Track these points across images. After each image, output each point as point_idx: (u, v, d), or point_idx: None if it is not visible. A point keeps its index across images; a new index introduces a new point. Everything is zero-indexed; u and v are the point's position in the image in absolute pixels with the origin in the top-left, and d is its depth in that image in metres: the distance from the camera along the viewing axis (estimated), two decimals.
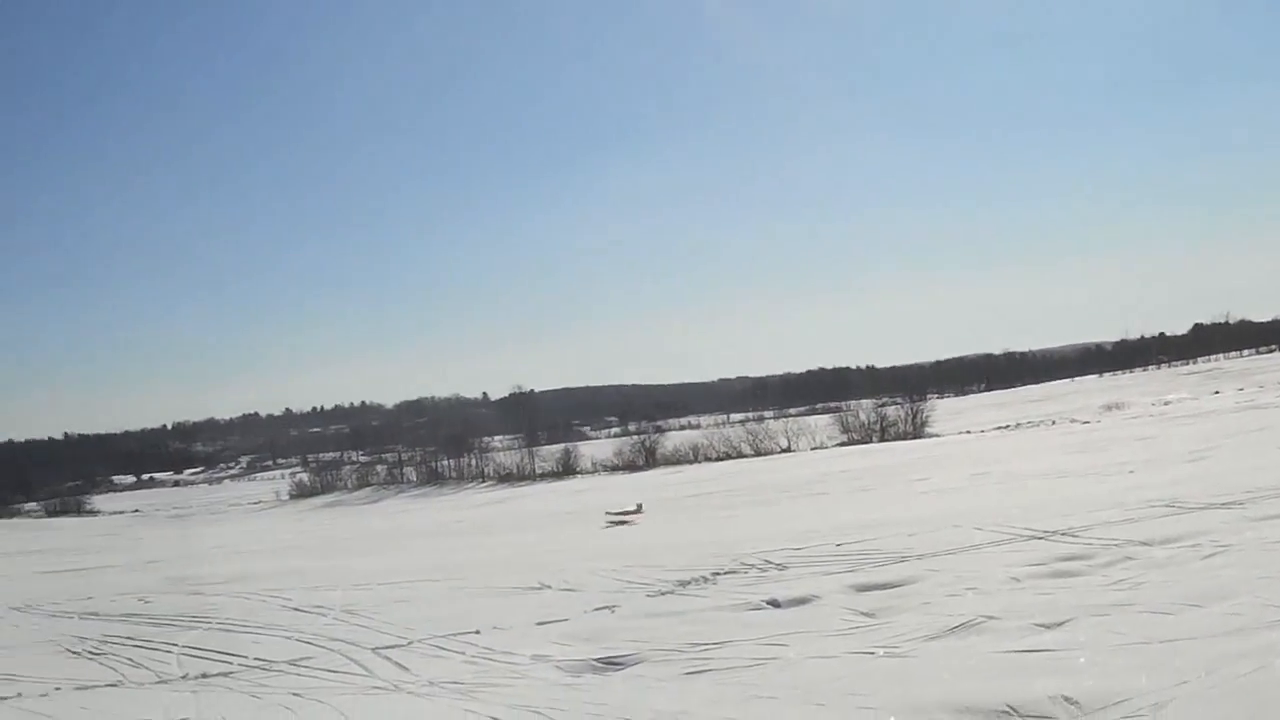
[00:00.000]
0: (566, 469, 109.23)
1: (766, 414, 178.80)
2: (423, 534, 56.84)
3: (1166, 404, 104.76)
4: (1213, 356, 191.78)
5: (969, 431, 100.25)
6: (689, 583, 25.02)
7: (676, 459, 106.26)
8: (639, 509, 56.09)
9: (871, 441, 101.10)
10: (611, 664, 16.89)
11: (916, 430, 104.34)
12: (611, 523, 51.03)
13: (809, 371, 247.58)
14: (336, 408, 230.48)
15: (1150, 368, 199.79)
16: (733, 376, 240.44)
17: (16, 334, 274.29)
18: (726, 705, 13.48)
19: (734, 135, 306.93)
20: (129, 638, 23.44)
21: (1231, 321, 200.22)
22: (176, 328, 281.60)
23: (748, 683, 14.68)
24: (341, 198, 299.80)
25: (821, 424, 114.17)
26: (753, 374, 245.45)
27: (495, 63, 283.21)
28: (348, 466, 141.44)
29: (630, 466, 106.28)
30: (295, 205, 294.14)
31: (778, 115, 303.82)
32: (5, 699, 17.11)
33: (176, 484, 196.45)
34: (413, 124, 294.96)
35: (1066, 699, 11.59)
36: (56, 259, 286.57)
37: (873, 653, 15.52)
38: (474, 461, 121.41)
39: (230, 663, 19.53)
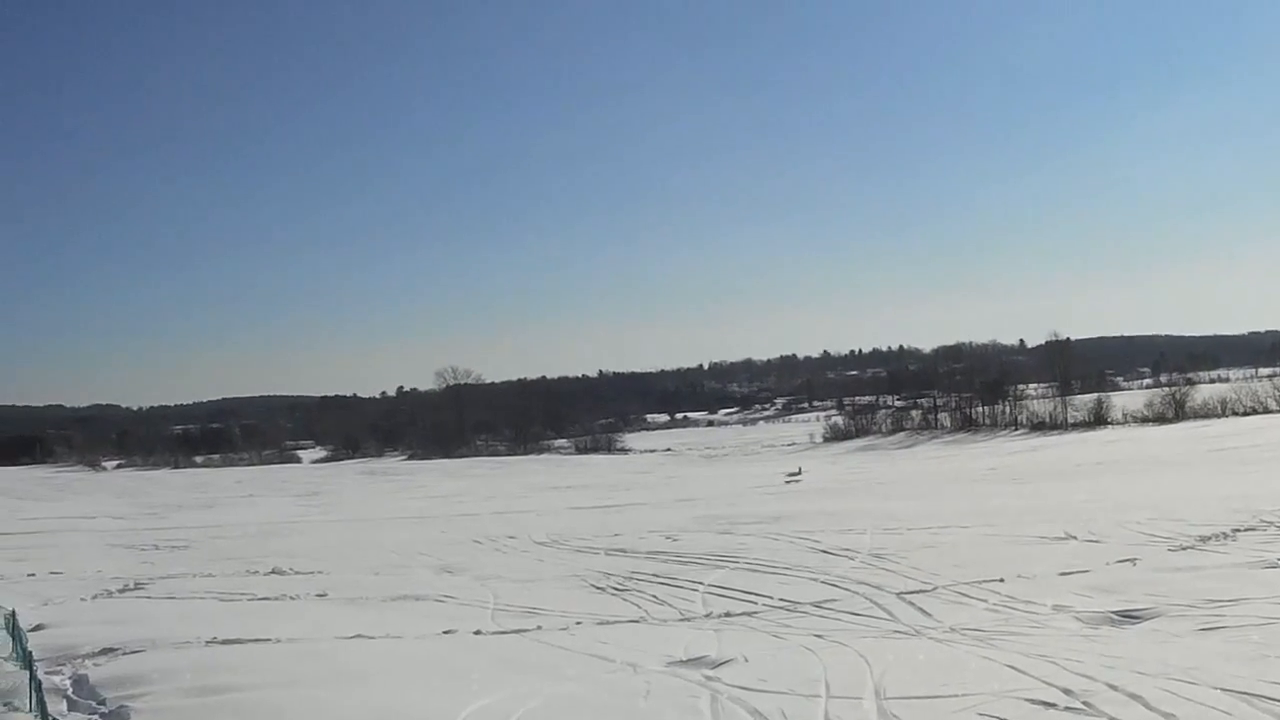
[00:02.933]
0: (1098, 419, 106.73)
1: None
2: (954, 480, 56.66)
3: None
4: None
5: None
6: (1209, 538, 24.31)
7: (1205, 412, 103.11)
8: (800, 472, 59.16)
9: None
10: (1128, 617, 16.59)
11: None
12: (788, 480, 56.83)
13: None
14: (874, 351, 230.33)
15: None
16: (1263, 330, 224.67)
17: (570, 274, 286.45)
18: (1236, 662, 13.04)
19: None
20: (655, 575, 24.61)
21: None
22: (707, 264, 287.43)
23: (1259, 641, 14.21)
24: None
25: None
26: None
27: None
28: (882, 411, 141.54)
29: (1159, 418, 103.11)
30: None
31: None
32: (525, 631, 18.06)
33: (710, 424, 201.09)
34: None
35: None
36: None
37: None
38: (1008, 409, 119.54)
39: (755, 602, 20.15)
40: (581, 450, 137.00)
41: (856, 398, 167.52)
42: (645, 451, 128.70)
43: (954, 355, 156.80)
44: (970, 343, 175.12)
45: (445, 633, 17.94)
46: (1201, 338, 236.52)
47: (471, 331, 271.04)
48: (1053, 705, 11.68)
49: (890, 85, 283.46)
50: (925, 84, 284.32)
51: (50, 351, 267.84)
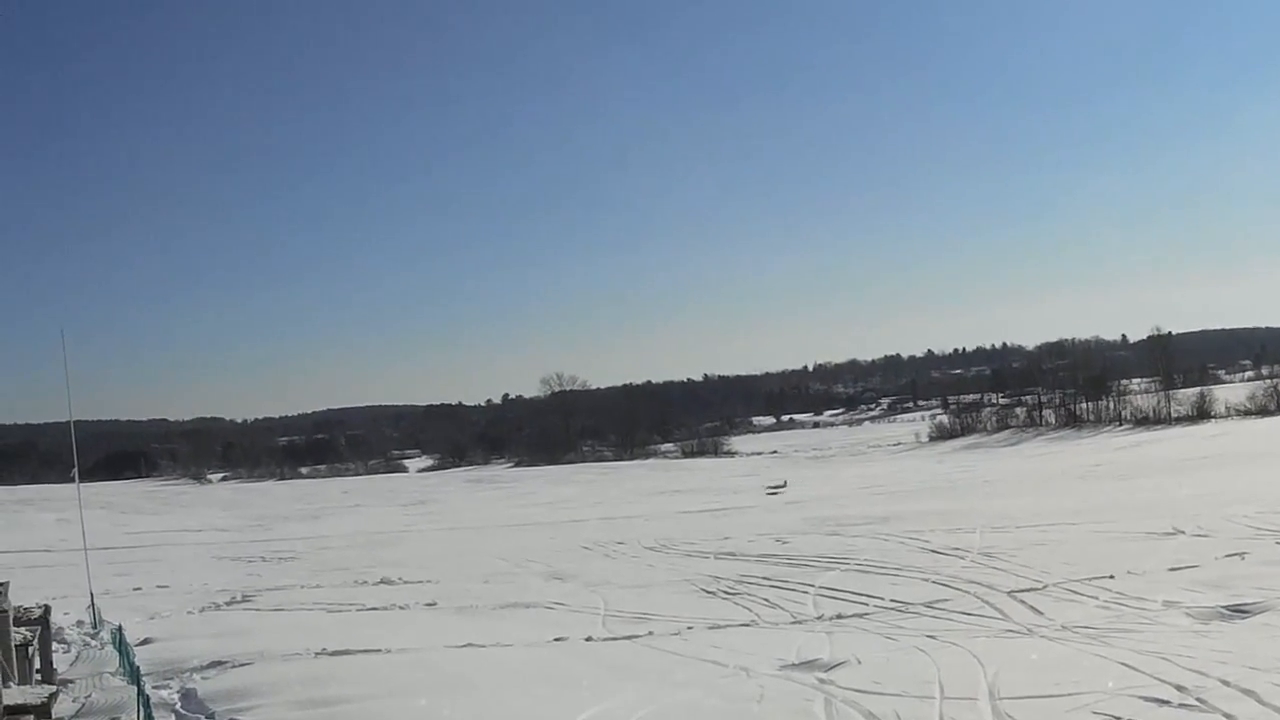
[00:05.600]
0: (1201, 413, 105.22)
1: None
2: (1060, 476, 56.09)
3: None
4: None
5: None
6: None
7: None
8: (784, 484, 62.58)
9: None
10: (1239, 611, 16.40)
11: None
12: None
13: None
14: (978, 349, 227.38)
15: None
16: None
17: (674, 279, 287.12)
18: None
19: None
20: (765, 578, 24.38)
21: None
22: (811, 267, 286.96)
23: None
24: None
25: None
26: None
27: None
28: (987, 409, 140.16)
29: (1262, 411, 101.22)
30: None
31: None
32: (637, 637, 17.94)
33: (816, 425, 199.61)
34: None
35: None
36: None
37: None
38: (1111, 404, 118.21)
39: (866, 604, 19.96)
40: (688, 454, 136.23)
41: (961, 396, 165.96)
42: (751, 454, 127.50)
43: (1057, 352, 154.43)
44: (1073, 339, 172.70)
45: (556, 640, 17.87)
46: None
47: (576, 338, 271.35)
48: (1166, 702, 11.44)
49: (990, 85, 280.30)
50: (1027, 82, 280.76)
51: (154, 366, 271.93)
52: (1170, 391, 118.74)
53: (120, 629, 18.05)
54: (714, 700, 12.81)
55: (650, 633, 18.24)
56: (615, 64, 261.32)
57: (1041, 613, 17.79)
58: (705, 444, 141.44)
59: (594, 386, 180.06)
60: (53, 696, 12.05)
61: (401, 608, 23.32)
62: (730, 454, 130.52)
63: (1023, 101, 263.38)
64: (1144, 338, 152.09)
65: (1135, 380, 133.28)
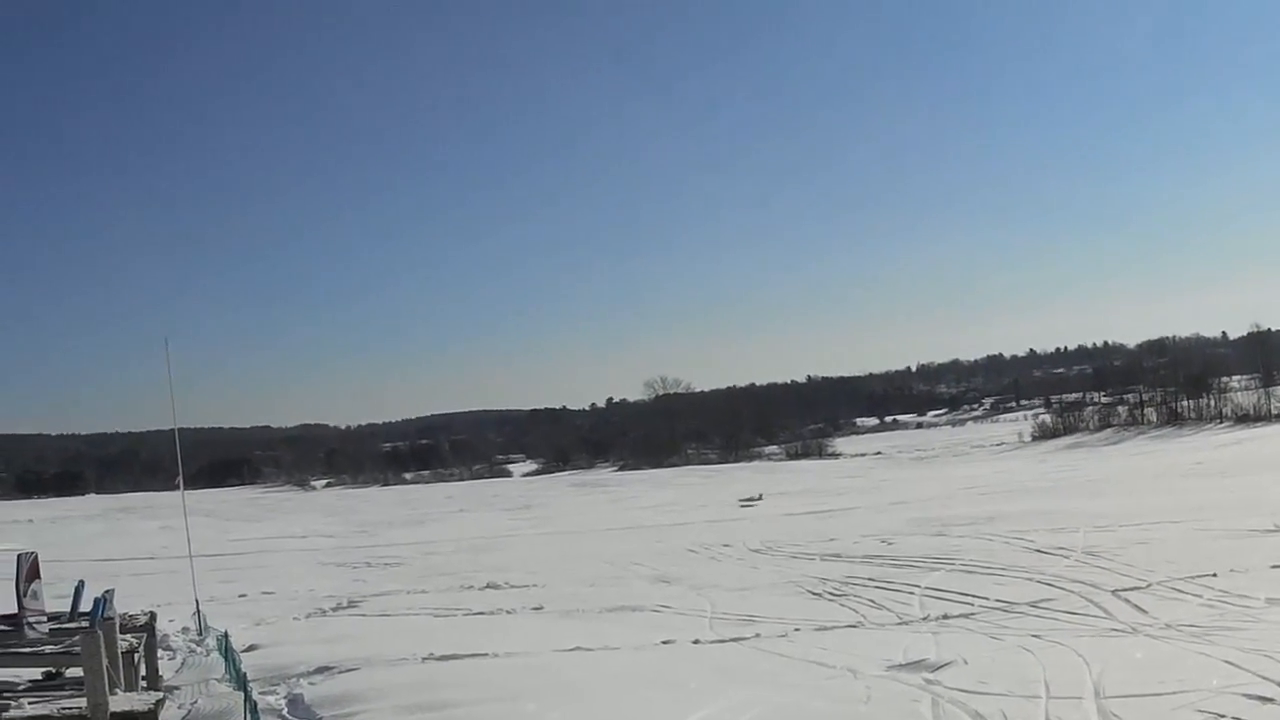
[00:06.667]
0: None
1: None
2: (1162, 475, 55.67)
3: None
4: None
5: None
6: None
7: None
8: (760, 497, 63.23)
9: None
10: None
11: None
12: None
13: None
14: (1079, 348, 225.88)
15: None
16: None
17: (777, 281, 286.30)
18: None
19: None
20: (870, 579, 24.34)
21: None
22: (913, 268, 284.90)
23: None
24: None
25: None
26: None
27: None
28: (1089, 408, 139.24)
29: None
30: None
31: None
32: (744, 639, 17.85)
33: (919, 425, 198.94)
34: None
35: None
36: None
37: None
38: (1212, 402, 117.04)
39: (972, 604, 19.94)
40: (792, 456, 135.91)
41: (1063, 395, 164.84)
42: (856, 455, 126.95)
43: (1158, 350, 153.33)
44: (1173, 336, 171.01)
45: (663, 643, 17.78)
46: None
47: (680, 340, 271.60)
48: (1270, 700, 11.41)
49: (1092, 84, 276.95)
50: (1124, 83, 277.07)
51: (258, 372, 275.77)
52: (1270, 389, 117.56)
53: (226, 635, 18.23)
54: (820, 702, 12.80)
55: (757, 635, 18.21)
56: (729, 67, 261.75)
57: (1145, 611, 17.76)
58: (810, 445, 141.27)
59: (697, 389, 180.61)
60: (159, 703, 12.01)
61: (508, 612, 23.36)
62: (835, 455, 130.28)
63: (1123, 102, 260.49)
64: (1244, 334, 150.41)
65: (1235, 377, 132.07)
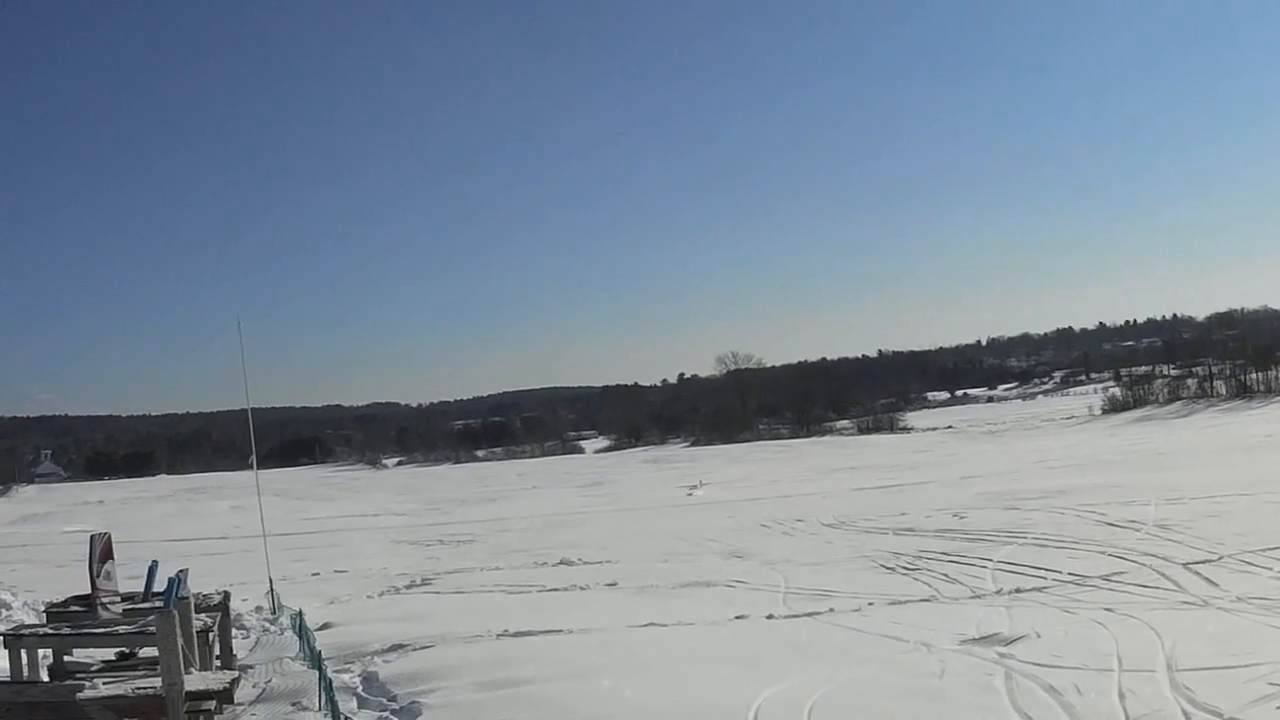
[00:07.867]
0: None
1: None
2: (1232, 448, 55.05)
3: None
4: None
5: None
6: None
7: None
8: (699, 484, 64.31)
9: None
10: None
11: None
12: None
13: None
14: (1149, 321, 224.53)
15: None
16: None
17: (848, 255, 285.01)
18: None
19: None
20: (943, 553, 24.20)
21: None
22: (983, 242, 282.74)
23: None
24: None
25: None
26: None
27: None
28: (1159, 380, 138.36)
29: None
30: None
31: None
32: (818, 614, 17.71)
33: (989, 400, 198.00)
34: None
35: None
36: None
37: None
38: None
39: (1044, 577, 19.81)
40: (863, 431, 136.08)
41: (1132, 369, 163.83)
42: (927, 430, 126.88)
43: (1227, 322, 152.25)
44: (1242, 309, 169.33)
45: (737, 618, 17.69)
46: None
47: (751, 316, 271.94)
48: None
49: (1159, 56, 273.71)
50: (1196, 52, 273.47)
51: (329, 352, 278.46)
52: None
53: (300, 614, 18.20)
54: (895, 676, 12.69)
55: (831, 609, 18.07)
56: (795, 52, 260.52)
57: (1217, 584, 17.61)
58: (881, 420, 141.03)
59: (769, 364, 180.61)
60: (234, 682, 12.29)
61: (582, 588, 23.41)
62: (906, 430, 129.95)
63: (1190, 77, 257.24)
64: None
65: None
